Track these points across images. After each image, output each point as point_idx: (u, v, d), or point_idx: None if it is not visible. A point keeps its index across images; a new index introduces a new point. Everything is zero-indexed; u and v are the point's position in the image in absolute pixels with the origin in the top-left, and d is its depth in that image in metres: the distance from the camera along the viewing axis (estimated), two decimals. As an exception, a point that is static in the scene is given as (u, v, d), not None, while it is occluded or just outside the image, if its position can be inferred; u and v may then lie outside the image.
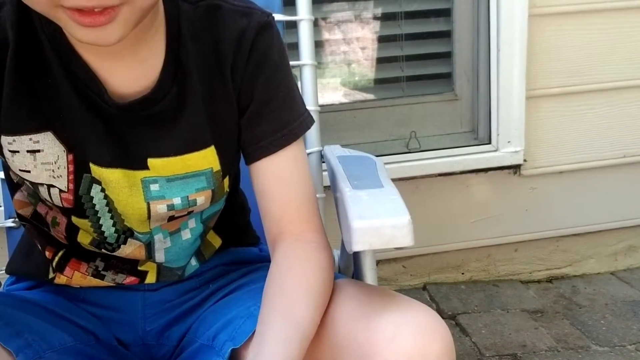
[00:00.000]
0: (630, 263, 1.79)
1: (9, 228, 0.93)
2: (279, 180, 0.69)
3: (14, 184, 0.72)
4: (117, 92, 0.63)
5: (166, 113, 0.65)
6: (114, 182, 0.65)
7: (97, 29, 0.51)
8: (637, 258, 1.80)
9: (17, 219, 0.86)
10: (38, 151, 0.63)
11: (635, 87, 1.62)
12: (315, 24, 1.34)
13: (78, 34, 0.52)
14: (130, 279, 0.74)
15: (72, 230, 0.70)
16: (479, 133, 1.64)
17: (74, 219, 0.68)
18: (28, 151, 0.63)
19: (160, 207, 0.67)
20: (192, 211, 0.71)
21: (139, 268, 0.74)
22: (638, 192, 1.71)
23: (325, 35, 1.60)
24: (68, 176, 0.65)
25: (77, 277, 0.73)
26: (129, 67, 0.62)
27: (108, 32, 0.52)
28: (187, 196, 0.68)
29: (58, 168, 0.64)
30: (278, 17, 1.02)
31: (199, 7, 0.66)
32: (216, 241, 0.79)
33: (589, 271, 1.77)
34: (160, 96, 0.64)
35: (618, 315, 1.54)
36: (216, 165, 0.68)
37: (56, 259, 0.73)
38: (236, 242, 0.83)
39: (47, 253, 0.74)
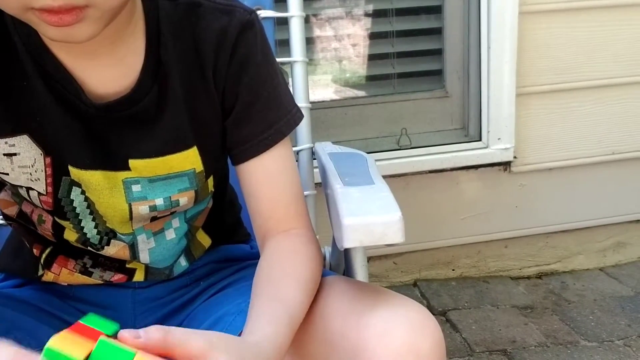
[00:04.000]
0: (618, 259, 1.81)
1: (-2, 225, 0.92)
2: (267, 180, 0.68)
3: None
4: (95, 92, 0.62)
5: (147, 113, 0.63)
6: (95, 184, 0.65)
7: (65, 28, 0.51)
8: (625, 254, 1.81)
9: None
10: (14, 154, 0.62)
11: (624, 84, 1.64)
12: (307, 20, 1.34)
13: (49, 33, 0.52)
14: (118, 277, 0.74)
15: (59, 227, 0.69)
16: (470, 130, 1.65)
17: (57, 219, 0.68)
18: (4, 154, 0.62)
19: (142, 208, 0.67)
20: (175, 211, 0.70)
21: (127, 266, 0.73)
22: (626, 189, 1.73)
23: (317, 31, 1.60)
24: (46, 179, 0.64)
25: (64, 274, 0.73)
26: (106, 66, 0.61)
27: (76, 30, 0.51)
28: (170, 197, 0.67)
29: (35, 171, 0.63)
30: (269, 13, 1.01)
31: (179, 4, 0.64)
32: (206, 241, 0.79)
33: (577, 267, 1.79)
34: (140, 96, 0.63)
35: (606, 310, 1.56)
36: (199, 166, 0.67)
37: (44, 255, 0.73)
38: (226, 240, 0.83)
39: (34, 250, 0.73)
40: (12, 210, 0.73)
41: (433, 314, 0.58)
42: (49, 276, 0.73)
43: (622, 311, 1.55)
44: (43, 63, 0.60)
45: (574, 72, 1.60)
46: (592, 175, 1.69)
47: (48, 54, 0.60)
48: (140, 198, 0.66)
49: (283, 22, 1.05)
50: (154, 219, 0.69)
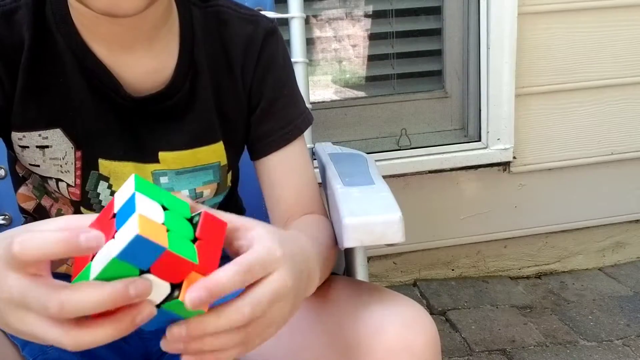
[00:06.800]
0: (617, 259, 1.81)
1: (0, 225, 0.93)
2: (289, 172, 0.73)
3: (19, 178, 0.74)
4: (131, 86, 0.65)
5: (179, 108, 0.68)
6: (127, 174, 0.67)
7: None
8: (624, 254, 1.82)
9: (6, 216, 0.89)
10: (47, 147, 0.65)
11: (623, 85, 1.64)
12: (307, 21, 1.34)
13: (97, 4, 0.56)
14: None
15: None
16: (469, 130, 1.65)
17: (83, 210, 0.71)
18: (37, 147, 0.65)
19: None
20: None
21: None
22: (625, 189, 1.73)
23: (317, 32, 1.60)
24: (75, 172, 0.67)
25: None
26: (142, 62, 0.65)
27: (123, 1, 0.56)
28: (195, 189, 0.71)
29: (66, 164, 0.66)
30: (269, 14, 1.02)
31: (209, 12, 0.70)
32: None
33: (577, 267, 1.79)
34: (174, 91, 0.67)
35: (605, 310, 1.56)
36: (223, 160, 0.72)
37: None
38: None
39: None
40: (29, 205, 0.75)
41: (432, 314, 0.59)
42: (61, 267, 0.74)
43: (621, 311, 1.55)
44: (83, 59, 0.64)
45: (574, 73, 1.60)
46: (592, 175, 1.70)
47: (89, 51, 0.63)
48: (167, 190, 0.68)
49: (283, 23, 1.06)
50: None
